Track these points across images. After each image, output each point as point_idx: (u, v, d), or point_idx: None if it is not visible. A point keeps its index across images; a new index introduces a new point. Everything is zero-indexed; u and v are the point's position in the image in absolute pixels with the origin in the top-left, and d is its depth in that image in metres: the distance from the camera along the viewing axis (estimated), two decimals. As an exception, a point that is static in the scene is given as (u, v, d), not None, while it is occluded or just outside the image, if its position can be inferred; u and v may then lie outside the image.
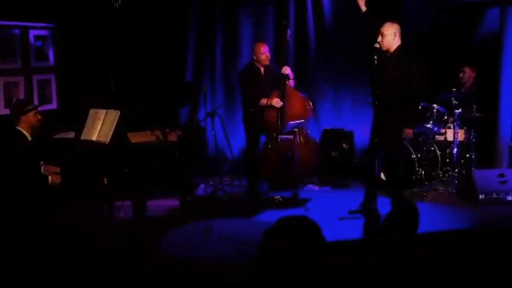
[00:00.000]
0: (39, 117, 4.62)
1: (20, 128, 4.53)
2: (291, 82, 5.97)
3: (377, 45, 4.82)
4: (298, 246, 2.07)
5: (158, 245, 4.55)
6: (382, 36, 4.86)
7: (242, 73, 6.07)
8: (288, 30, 6.01)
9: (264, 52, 5.84)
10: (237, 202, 5.85)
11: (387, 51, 4.91)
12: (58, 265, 3.94)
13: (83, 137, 4.81)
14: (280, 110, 5.84)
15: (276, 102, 5.81)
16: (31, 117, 4.55)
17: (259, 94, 5.83)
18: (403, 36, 4.98)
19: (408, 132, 5.05)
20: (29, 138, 4.56)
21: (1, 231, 4.20)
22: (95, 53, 6.59)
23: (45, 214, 4.41)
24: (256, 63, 5.91)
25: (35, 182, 4.44)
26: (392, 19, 5.03)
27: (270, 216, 5.20)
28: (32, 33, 6.37)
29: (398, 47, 4.92)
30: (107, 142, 4.66)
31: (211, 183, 6.13)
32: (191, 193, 5.78)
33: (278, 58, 6.01)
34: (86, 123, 4.85)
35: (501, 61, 6.13)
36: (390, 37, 4.87)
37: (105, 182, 4.64)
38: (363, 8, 4.99)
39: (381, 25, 4.91)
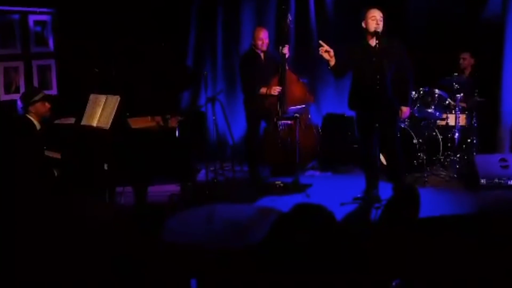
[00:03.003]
0: (48, 105, 4.69)
1: (29, 117, 4.59)
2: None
3: (378, 30, 4.79)
4: (312, 235, 2.05)
5: (158, 230, 4.55)
6: (380, 21, 4.82)
7: (242, 59, 6.05)
8: (289, 15, 5.97)
9: (261, 38, 5.81)
10: (238, 187, 5.86)
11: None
12: (58, 252, 3.94)
13: (83, 122, 4.80)
14: (280, 95, 5.82)
15: (275, 90, 5.79)
16: (39, 107, 4.64)
17: (258, 80, 5.82)
18: (406, 20, 4.95)
19: (406, 110, 5.03)
20: (38, 127, 4.60)
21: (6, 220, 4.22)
22: (95, 38, 6.56)
23: (49, 202, 4.42)
24: (255, 49, 5.88)
25: (40, 171, 4.46)
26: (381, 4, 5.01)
27: (271, 202, 5.21)
28: (31, 18, 6.33)
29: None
30: (107, 128, 4.64)
31: (212, 168, 6.13)
32: (192, 179, 5.78)
33: (279, 43, 5.98)
34: (87, 108, 4.84)
35: (504, 45, 6.09)
36: (382, 20, 4.84)
37: (106, 168, 4.64)
38: (332, 63, 4.86)
39: (366, 11, 4.84)
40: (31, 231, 4.06)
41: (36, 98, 4.65)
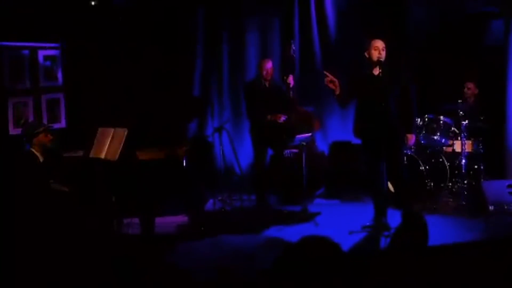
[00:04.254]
0: (50, 137, 4.72)
1: (32, 149, 4.64)
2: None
3: (381, 59, 4.88)
4: (318, 267, 2.05)
5: (166, 260, 4.55)
6: (383, 50, 4.90)
7: (246, 86, 6.14)
8: (292, 45, 6.06)
9: (265, 68, 5.91)
10: (245, 217, 5.85)
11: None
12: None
13: (91, 155, 4.85)
14: (286, 124, 5.87)
15: (279, 118, 5.84)
16: (41, 139, 4.67)
17: (263, 107, 5.87)
18: (409, 46, 5.01)
19: (411, 137, 5.06)
20: (41, 159, 4.64)
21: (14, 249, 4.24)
22: (103, 72, 6.66)
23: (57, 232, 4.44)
24: (260, 78, 5.97)
25: (44, 202, 4.49)
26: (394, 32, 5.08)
27: (279, 231, 5.20)
28: (41, 53, 6.43)
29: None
30: (115, 160, 4.69)
31: (220, 198, 6.13)
32: (199, 209, 5.79)
33: (284, 72, 6.06)
34: (95, 141, 4.90)
35: (507, 71, 6.13)
36: (384, 49, 4.92)
37: (113, 199, 4.67)
38: (337, 92, 4.95)
39: (369, 41, 4.92)
40: (32, 254, 4.06)
41: (39, 129, 4.70)
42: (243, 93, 6.22)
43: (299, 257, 2.06)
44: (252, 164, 6.42)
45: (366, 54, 4.93)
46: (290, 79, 5.89)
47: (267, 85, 5.99)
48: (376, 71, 4.92)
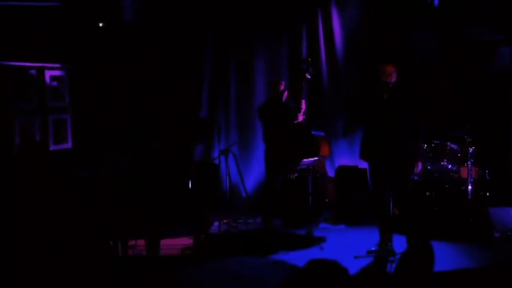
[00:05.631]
0: None
1: None
2: (299, 117, 6.02)
3: (391, 84, 4.92)
4: None
5: (172, 284, 4.53)
6: (393, 75, 4.94)
7: (260, 108, 6.15)
8: (307, 74, 6.11)
9: (279, 89, 5.95)
10: (251, 240, 5.82)
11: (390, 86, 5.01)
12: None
13: (99, 174, 4.89)
14: (294, 148, 5.87)
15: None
16: None
17: (274, 128, 5.88)
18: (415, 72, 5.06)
19: (418, 164, 5.07)
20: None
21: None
22: (110, 93, 6.71)
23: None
24: (274, 98, 6.00)
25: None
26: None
27: (284, 255, 5.17)
28: (48, 73, 6.48)
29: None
30: (123, 178, 4.73)
31: (225, 221, 6.11)
32: (205, 231, 5.77)
33: (293, 96, 6.10)
34: (102, 160, 4.94)
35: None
36: (394, 74, 4.97)
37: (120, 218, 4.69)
38: None
39: (382, 66, 4.99)
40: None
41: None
42: (259, 116, 6.20)
43: (307, 280, 2.04)
44: (262, 187, 6.41)
45: (376, 78, 4.97)
46: (303, 104, 5.93)
47: (280, 104, 6.01)
48: (386, 95, 4.94)
